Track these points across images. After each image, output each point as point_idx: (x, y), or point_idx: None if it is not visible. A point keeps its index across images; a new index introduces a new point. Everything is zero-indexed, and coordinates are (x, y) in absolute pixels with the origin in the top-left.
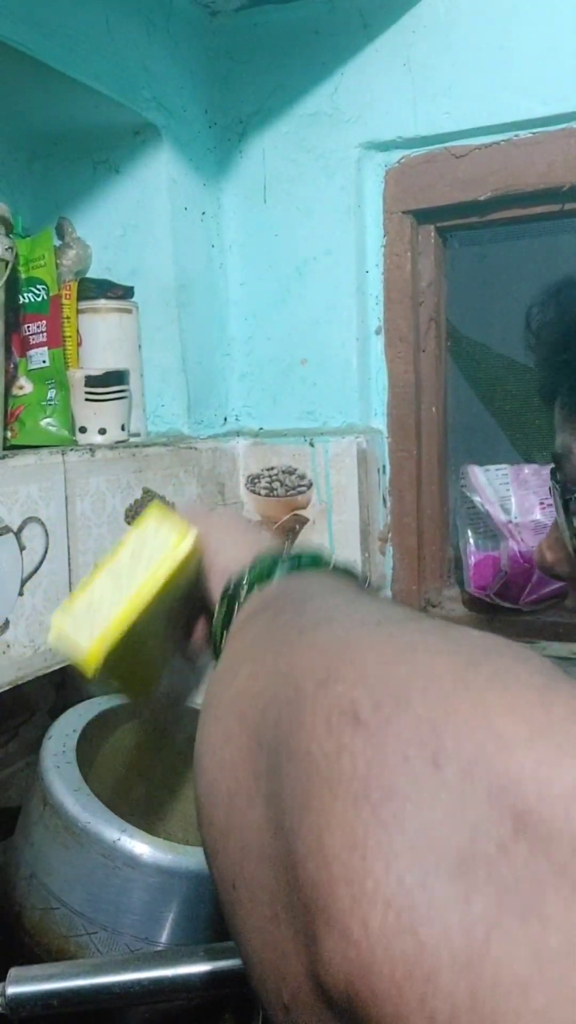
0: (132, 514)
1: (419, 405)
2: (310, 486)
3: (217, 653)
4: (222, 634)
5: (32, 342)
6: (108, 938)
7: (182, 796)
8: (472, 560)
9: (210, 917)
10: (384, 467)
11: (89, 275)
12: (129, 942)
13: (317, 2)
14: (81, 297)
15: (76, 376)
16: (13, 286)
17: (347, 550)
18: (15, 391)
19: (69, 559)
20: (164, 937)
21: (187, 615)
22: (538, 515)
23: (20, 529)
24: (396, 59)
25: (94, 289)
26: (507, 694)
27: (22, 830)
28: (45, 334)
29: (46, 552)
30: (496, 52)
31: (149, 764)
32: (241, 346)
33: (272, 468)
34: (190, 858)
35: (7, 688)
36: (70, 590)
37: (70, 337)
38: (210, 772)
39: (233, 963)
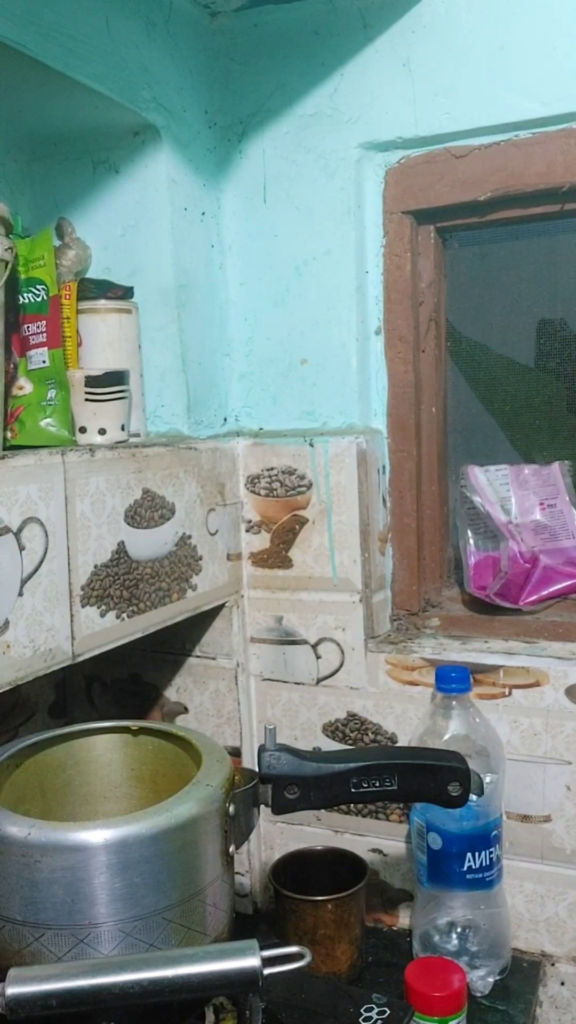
0: (131, 514)
1: (419, 405)
2: (310, 486)
3: None
4: None
5: (32, 342)
6: (55, 936)
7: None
8: (472, 560)
9: (141, 880)
10: (384, 467)
11: (89, 275)
12: (75, 932)
13: (317, 2)
14: (81, 297)
15: (76, 376)
16: (13, 286)
17: (347, 550)
18: (15, 391)
19: (69, 559)
20: (103, 913)
21: None
22: (538, 515)
23: (20, 529)
24: (396, 59)
25: (94, 289)
26: None
27: None
28: (45, 334)
29: (46, 552)
30: (496, 52)
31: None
32: (241, 346)
33: (272, 468)
34: (101, 830)
35: (7, 688)
36: (70, 590)
37: (70, 337)
38: None
39: (233, 963)
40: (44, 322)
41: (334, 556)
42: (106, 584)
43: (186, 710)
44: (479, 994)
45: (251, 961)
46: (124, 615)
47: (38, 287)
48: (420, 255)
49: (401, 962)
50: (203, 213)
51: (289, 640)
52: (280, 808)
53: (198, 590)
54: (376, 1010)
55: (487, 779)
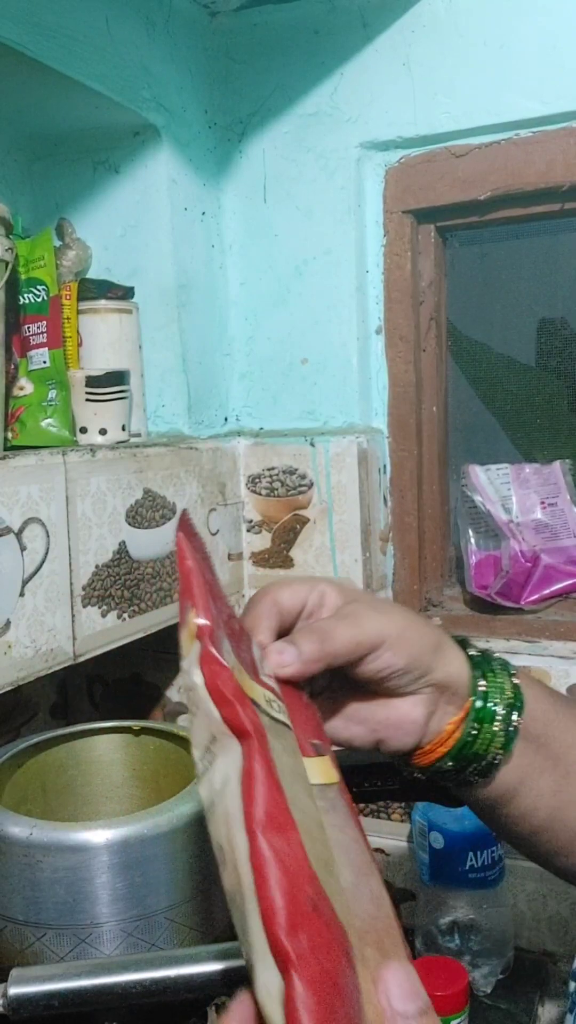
0: (132, 514)
1: (420, 405)
2: (311, 486)
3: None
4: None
5: (32, 343)
6: (57, 935)
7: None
8: (473, 560)
9: (142, 880)
10: (385, 467)
11: (89, 275)
12: (77, 931)
13: (317, 2)
14: (81, 298)
15: (76, 376)
16: (13, 287)
17: (348, 550)
18: (16, 392)
19: (70, 559)
20: (104, 913)
21: None
22: (539, 514)
23: (21, 530)
24: (396, 59)
25: (94, 289)
26: None
27: None
28: (45, 335)
29: (47, 553)
30: (496, 51)
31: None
32: (241, 346)
33: (273, 468)
34: (103, 830)
35: (8, 689)
36: (71, 590)
37: (70, 338)
38: None
39: (235, 963)
40: (44, 322)
41: (335, 556)
42: (107, 584)
43: (188, 710)
44: (481, 993)
45: None
46: (125, 615)
47: (38, 287)
48: (420, 254)
49: None
50: (203, 213)
51: None
52: None
53: None
54: None
55: None
